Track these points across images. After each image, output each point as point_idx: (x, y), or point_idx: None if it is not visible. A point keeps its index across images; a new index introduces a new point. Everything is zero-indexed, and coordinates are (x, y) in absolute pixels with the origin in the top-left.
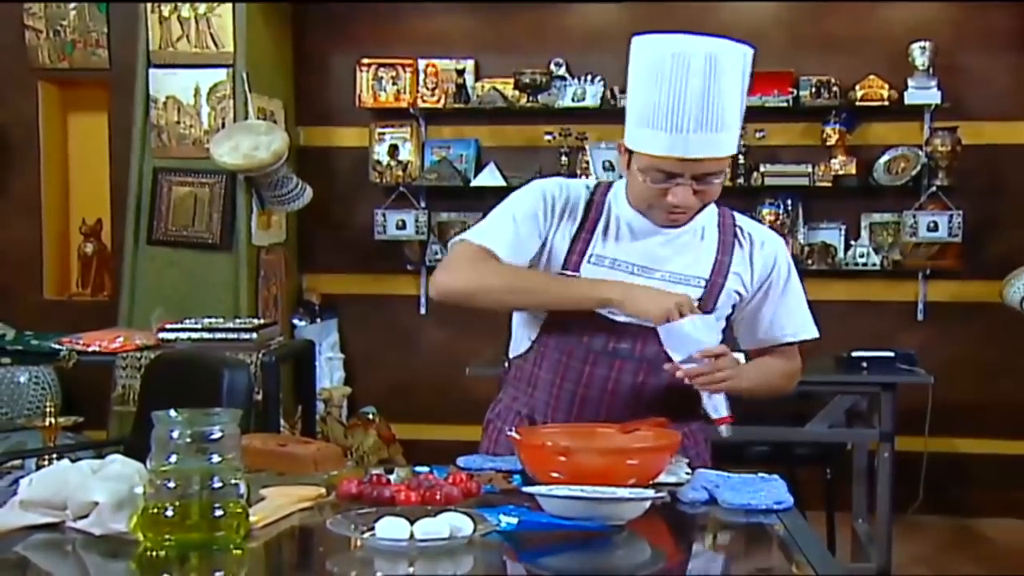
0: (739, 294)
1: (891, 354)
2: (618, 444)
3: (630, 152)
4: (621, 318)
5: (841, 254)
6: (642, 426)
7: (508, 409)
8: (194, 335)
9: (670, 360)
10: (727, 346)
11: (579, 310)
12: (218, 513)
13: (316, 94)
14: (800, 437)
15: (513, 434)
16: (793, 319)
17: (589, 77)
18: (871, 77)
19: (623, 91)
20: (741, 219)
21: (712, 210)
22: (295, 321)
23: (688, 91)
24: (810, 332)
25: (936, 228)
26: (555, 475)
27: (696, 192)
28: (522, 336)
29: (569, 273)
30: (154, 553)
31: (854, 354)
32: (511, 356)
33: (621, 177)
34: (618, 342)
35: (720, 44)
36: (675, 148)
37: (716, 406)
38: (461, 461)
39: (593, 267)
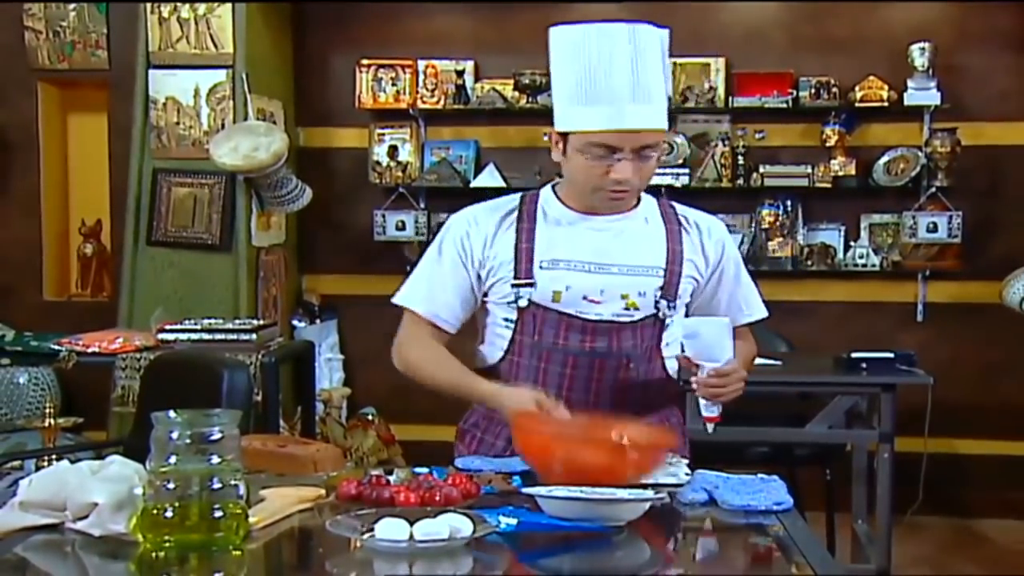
0: (695, 280)
1: (891, 355)
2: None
3: (564, 139)
4: (592, 316)
5: (841, 255)
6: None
7: (487, 419)
8: (194, 336)
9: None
10: (738, 364)
11: (547, 317)
12: (218, 514)
13: (316, 95)
14: (800, 438)
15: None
16: (747, 301)
17: None
18: (871, 78)
19: None
20: (681, 208)
21: (652, 200)
22: (295, 322)
23: (617, 63)
24: (762, 312)
25: (936, 229)
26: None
27: (637, 169)
28: (493, 345)
29: (522, 282)
30: (154, 554)
31: (854, 355)
32: (480, 367)
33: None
34: (594, 341)
35: (637, 24)
36: (613, 121)
37: (710, 405)
38: (460, 462)
39: (546, 271)
